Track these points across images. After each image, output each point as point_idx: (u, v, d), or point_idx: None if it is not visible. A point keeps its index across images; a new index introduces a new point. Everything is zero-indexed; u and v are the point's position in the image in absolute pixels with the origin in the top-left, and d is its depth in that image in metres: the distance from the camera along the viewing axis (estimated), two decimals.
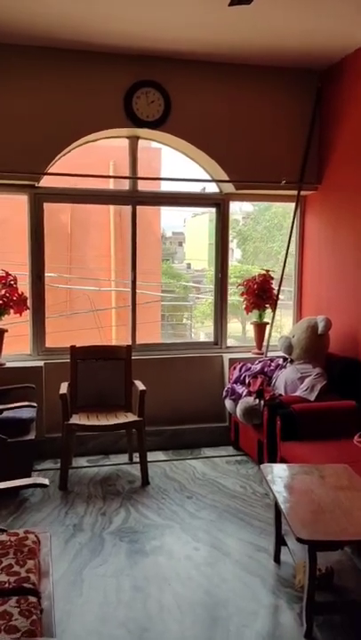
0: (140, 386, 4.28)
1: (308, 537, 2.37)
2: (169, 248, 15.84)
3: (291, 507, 2.63)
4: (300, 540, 2.37)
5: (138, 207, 4.96)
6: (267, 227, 11.44)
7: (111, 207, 9.83)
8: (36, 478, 2.62)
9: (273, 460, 4.03)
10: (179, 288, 12.54)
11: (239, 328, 10.47)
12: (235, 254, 12.31)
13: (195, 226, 14.48)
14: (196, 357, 5.04)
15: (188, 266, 14.57)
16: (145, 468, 4.14)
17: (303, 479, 2.94)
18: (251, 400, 4.31)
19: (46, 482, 2.57)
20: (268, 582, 2.94)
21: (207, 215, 13.73)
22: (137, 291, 5.14)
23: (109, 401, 4.49)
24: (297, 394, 4.27)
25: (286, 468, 3.13)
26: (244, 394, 4.45)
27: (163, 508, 3.78)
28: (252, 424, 4.33)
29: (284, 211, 11.21)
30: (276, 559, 3.12)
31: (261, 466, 3.12)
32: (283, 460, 3.90)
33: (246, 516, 3.65)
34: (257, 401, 4.30)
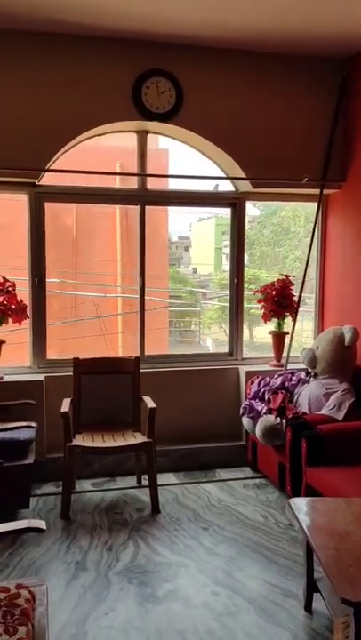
0: (149, 403, 3.89)
1: (356, 598, 1.97)
2: (175, 253, 15.74)
3: (331, 556, 2.23)
4: (346, 602, 1.97)
5: (147, 208, 4.59)
6: (274, 231, 11.12)
7: (118, 210, 9.49)
8: (30, 521, 2.22)
9: (297, 486, 3.64)
10: (185, 293, 12.28)
11: (246, 333, 10.07)
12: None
13: (201, 230, 14.21)
14: (209, 370, 4.65)
15: (194, 270, 14.41)
16: (155, 494, 3.75)
17: (340, 518, 2.54)
18: (271, 419, 3.92)
19: (42, 525, 2.19)
20: (300, 637, 2.54)
21: (213, 219, 13.59)
22: (146, 297, 4.76)
23: (116, 419, 4.11)
24: (323, 412, 3.87)
25: (318, 504, 2.73)
26: (264, 411, 4.05)
27: (176, 541, 3.38)
28: (272, 445, 3.94)
29: (293, 214, 11.01)
30: (308, 608, 2.72)
31: (290, 501, 2.73)
32: (309, 488, 3.50)
33: (270, 553, 3.25)
34: (278, 420, 3.90)
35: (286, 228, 10.80)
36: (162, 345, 10.13)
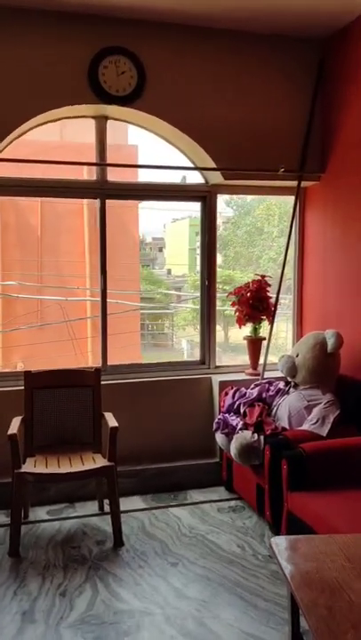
0: (110, 421, 3.45)
1: None
2: (149, 254, 15.72)
3: (321, 618, 1.81)
4: None
5: (108, 202, 4.16)
6: (247, 231, 11.00)
7: (85, 207, 9.01)
8: None
9: (278, 513, 3.23)
10: (159, 295, 11.95)
11: (221, 335, 9.73)
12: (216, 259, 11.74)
13: (175, 231, 14.13)
14: (179, 380, 4.22)
15: (169, 272, 14.27)
16: (118, 525, 3.30)
17: (330, 564, 2.13)
18: (248, 435, 3.50)
19: None
20: None
21: (187, 220, 13.41)
22: (111, 300, 4.35)
23: (74, 439, 3.65)
24: (305, 427, 3.47)
25: (304, 545, 2.31)
26: (239, 426, 3.64)
27: (140, 582, 2.94)
28: (249, 465, 3.53)
29: (267, 213, 10.76)
30: None
31: (271, 541, 2.31)
32: (291, 516, 3.10)
33: (248, 593, 2.83)
34: (255, 436, 3.49)
35: (260, 228, 10.62)
36: (133, 349, 9.71)
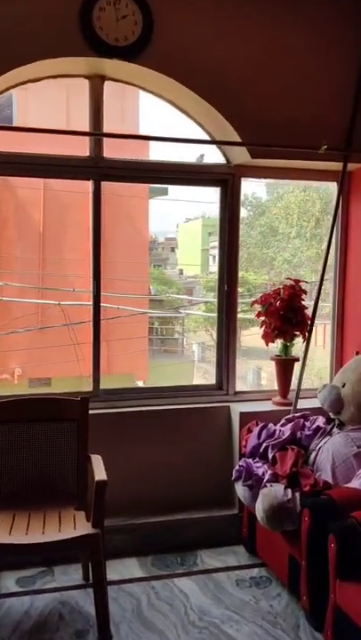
0: (97, 470, 2.59)
1: None
2: (161, 253, 15.39)
3: None
4: None
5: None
6: (261, 232, 10.46)
7: (91, 201, 8.27)
8: None
9: (319, 601, 2.39)
10: (169, 297, 11.29)
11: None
12: None
13: (187, 231, 13.90)
14: (190, 410, 3.36)
15: (181, 272, 13.79)
16: (104, 613, 2.45)
17: None
18: (279, 492, 2.65)
19: None
20: None
21: (200, 220, 13.16)
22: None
23: (52, 488, 2.80)
24: (355, 484, 2.61)
25: None
26: (267, 477, 2.78)
27: None
28: (281, 530, 2.68)
29: (285, 212, 10.12)
30: None
31: None
32: (339, 615, 2.25)
33: None
34: (289, 493, 2.64)
35: (275, 229, 10.16)
36: (141, 356, 8.94)
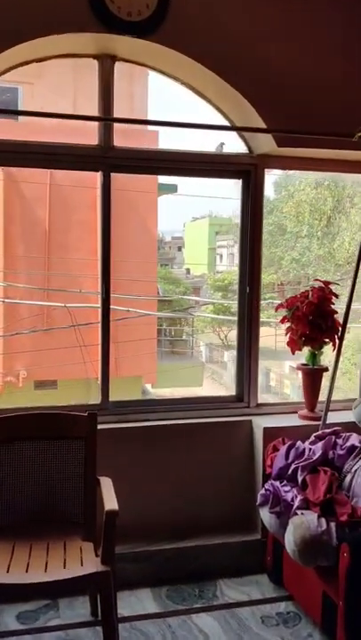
0: (107, 498, 2.29)
1: None
2: (168, 253, 15.36)
3: None
4: None
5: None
6: (269, 231, 10.31)
7: (99, 200, 8.00)
8: None
9: None
10: (177, 297, 11.06)
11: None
12: (235, 259, 11.16)
13: (194, 229, 13.93)
14: (207, 424, 3.06)
15: (188, 271, 13.71)
16: None
17: None
18: (313, 523, 2.34)
19: None
20: None
21: (207, 219, 13.13)
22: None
23: (56, 516, 2.51)
24: None
25: None
26: (297, 503, 2.48)
27: None
28: (315, 565, 2.37)
29: (296, 210, 9.92)
30: None
31: None
32: None
33: None
34: (324, 523, 2.33)
35: (283, 228, 10.09)
36: (149, 358, 8.68)
